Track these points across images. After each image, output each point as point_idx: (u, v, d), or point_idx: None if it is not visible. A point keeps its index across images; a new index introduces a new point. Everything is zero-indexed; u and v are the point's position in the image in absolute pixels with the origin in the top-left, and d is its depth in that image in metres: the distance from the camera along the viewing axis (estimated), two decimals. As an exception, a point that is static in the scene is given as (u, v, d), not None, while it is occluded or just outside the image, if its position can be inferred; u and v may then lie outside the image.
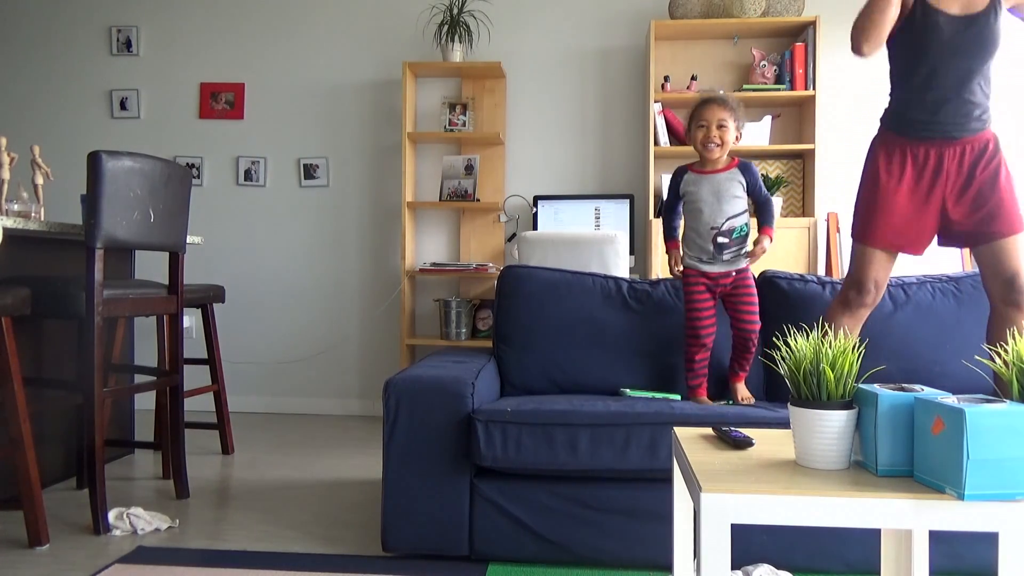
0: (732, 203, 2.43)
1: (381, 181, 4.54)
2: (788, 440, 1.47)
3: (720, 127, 2.41)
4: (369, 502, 2.77)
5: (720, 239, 2.43)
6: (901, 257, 2.29)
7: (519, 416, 2.14)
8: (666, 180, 4.09)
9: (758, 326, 2.44)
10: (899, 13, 2.19)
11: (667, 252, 2.58)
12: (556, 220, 4.19)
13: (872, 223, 2.25)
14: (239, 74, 4.62)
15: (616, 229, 4.08)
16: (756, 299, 2.46)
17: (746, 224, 2.45)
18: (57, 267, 2.90)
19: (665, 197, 2.60)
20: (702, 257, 2.46)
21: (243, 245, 4.62)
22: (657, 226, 3.91)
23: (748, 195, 2.47)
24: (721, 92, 2.52)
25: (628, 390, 2.47)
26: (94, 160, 2.38)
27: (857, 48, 2.22)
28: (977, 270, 2.61)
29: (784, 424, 2.07)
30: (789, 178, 4.17)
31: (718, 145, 2.42)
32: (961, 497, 1.08)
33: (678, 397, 2.45)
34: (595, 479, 2.15)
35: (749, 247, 2.46)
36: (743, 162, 2.48)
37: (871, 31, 2.18)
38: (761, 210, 2.49)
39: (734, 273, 2.45)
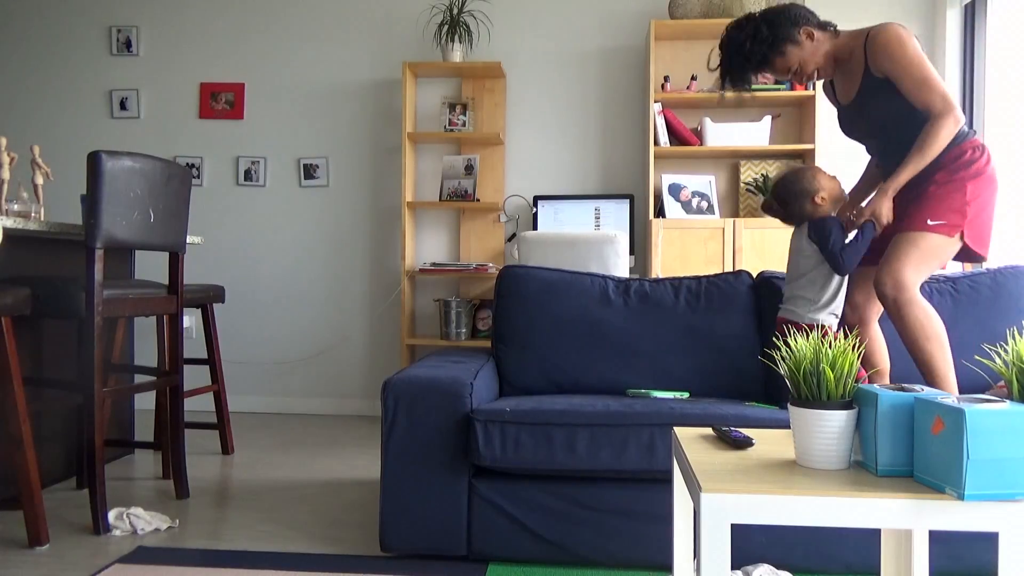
0: None
1: (381, 181, 4.54)
2: (788, 440, 1.47)
3: None
4: (368, 502, 2.77)
5: None
6: None
7: (518, 416, 2.13)
8: (666, 180, 4.12)
9: None
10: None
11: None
12: (556, 220, 4.19)
13: None
14: (239, 74, 4.62)
15: (616, 229, 4.08)
16: None
17: None
18: (57, 267, 2.90)
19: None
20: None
21: (243, 245, 4.62)
22: (657, 226, 3.91)
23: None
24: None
25: (643, 390, 2.46)
26: (94, 160, 2.38)
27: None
28: (974, 270, 2.62)
29: (784, 424, 2.07)
30: (789, 178, 4.16)
31: None
32: (961, 497, 1.08)
33: (686, 394, 2.44)
34: (594, 479, 2.15)
35: None
36: None
37: None
38: None
39: None
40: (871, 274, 2.29)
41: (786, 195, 2.30)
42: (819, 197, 2.26)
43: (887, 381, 2.34)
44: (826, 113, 4.10)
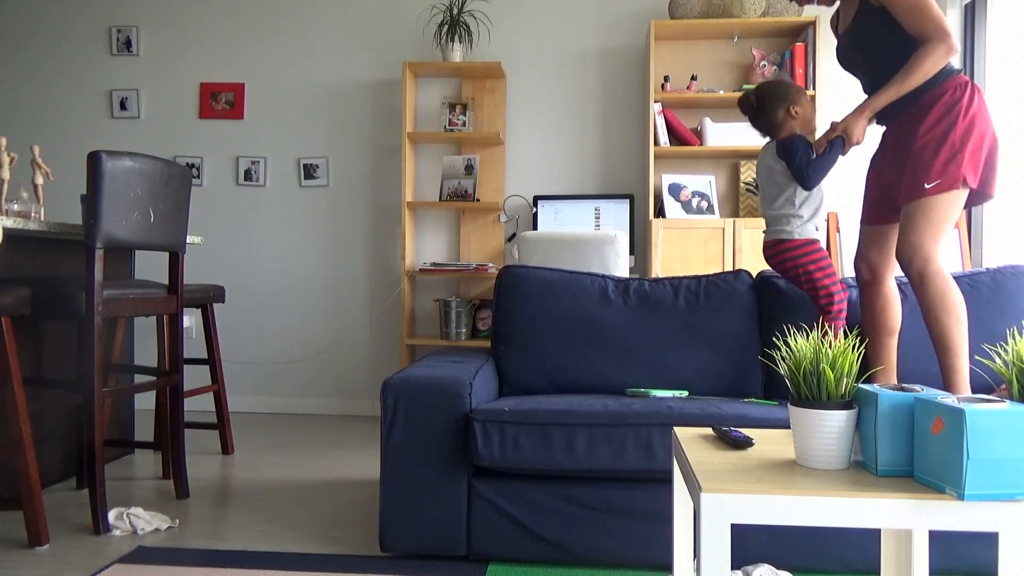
0: None
1: (381, 181, 4.54)
2: (788, 440, 1.47)
3: None
4: (368, 502, 2.77)
5: None
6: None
7: (517, 416, 2.13)
8: (666, 180, 4.12)
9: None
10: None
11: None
12: (556, 220, 4.19)
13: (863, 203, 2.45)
14: (239, 74, 4.62)
15: (616, 229, 4.08)
16: None
17: None
18: (57, 267, 2.90)
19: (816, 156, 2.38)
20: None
21: (243, 245, 4.62)
22: (657, 226, 3.90)
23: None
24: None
25: (643, 389, 2.46)
26: (94, 160, 2.38)
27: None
28: (974, 270, 2.62)
29: (784, 424, 2.07)
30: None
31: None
32: (961, 497, 1.08)
33: (685, 393, 2.44)
34: (593, 479, 2.15)
35: None
36: None
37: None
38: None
39: None
40: (884, 232, 2.32)
41: (767, 94, 2.40)
42: (794, 109, 2.37)
43: (895, 341, 2.34)
44: (826, 113, 4.10)
